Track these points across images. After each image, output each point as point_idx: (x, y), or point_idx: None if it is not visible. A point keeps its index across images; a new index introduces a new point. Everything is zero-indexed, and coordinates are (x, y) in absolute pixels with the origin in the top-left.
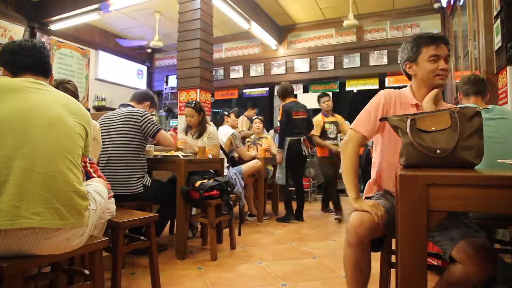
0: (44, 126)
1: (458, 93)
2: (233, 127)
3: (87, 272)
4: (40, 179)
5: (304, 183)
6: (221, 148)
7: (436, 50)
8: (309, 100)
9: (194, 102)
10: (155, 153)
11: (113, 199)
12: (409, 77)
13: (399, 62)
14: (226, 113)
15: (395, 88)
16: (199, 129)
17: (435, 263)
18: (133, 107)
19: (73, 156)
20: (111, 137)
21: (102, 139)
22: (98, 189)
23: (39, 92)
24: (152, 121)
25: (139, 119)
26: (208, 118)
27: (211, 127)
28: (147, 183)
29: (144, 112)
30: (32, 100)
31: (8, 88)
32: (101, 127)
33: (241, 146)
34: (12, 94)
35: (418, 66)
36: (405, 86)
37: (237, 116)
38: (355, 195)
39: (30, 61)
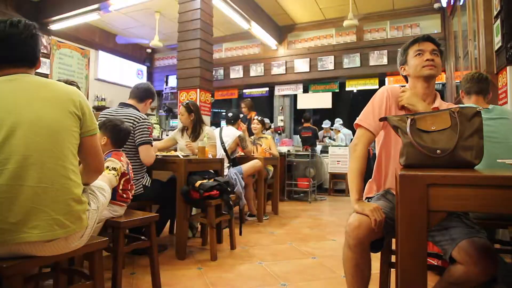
0: (27, 134)
1: (460, 90)
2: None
3: (87, 272)
4: (31, 193)
5: (304, 183)
6: (224, 150)
7: (419, 46)
8: (309, 100)
9: (187, 102)
10: (157, 153)
11: (125, 208)
12: (407, 80)
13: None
14: (242, 115)
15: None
16: (194, 131)
17: (435, 263)
18: (134, 107)
19: (65, 159)
20: None
21: None
22: (101, 188)
23: (15, 92)
24: (145, 130)
25: (135, 124)
26: (208, 118)
27: (207, 127)
28: (147, 184)
29: (142, 118)
30: (8, 104)
31: None
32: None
33: (247, 147)
34: None
35: (408, 65)
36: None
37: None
38: (357, 196)
39: (16, 54)
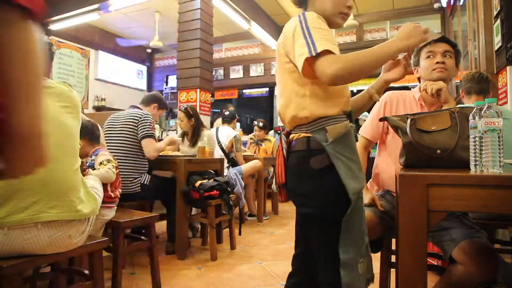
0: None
1: (461, 90)
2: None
3: (87, 272)
4: (51, 176)
5: None
6: (222, 149)
7: (431, 47)
8: None
9: (186, 107)
10: None
11: (115, 208)
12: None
13: None
14: (237, 116)
15: (395, 88)
16: (193, 136)
17: (435, 263)
18: (141, 109)
19: (72, 151)
20: (112, 137)
21: (106, 139)
22: (95, 188)
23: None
24: (147, 125)
25: (138, 120)
26: (208, 118)
27: (206, 131)
28: (145, 182)
29: (145, 114)
30: None
31: None
32: (107, 126)
33: (240, 151)
34: None
35: (420, 67)
36: (405, 86)
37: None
38: None
39: None
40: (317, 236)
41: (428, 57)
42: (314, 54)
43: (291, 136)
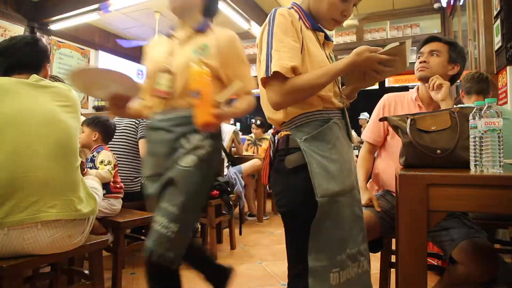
0: (39, 124)
1: (460, 90)
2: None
3: (87, 272)
4: (51, 175)
5: None
6: (223, 149)
7: (422, 49)
8: None
9: None
10: None
11: (120, 201)
12: None
13: None
14: None
15: (395, 88)
16: None
17: (435, 263)
18: None
19: (72, 150)
20: (115, 136)
21: None
22: (94, 188)
23: (28, 93)
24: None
25: (139, 121)
26: None
27: None
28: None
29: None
30: (24, 101)
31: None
32: None
33: (241, 143)
34: (3, 96)
35: None
36: (405, 86)
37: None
38: (360, 184)
39: (15, 60)
40: (286, 236)
41: (419, 57)
42: (267, 76)
43: (277, 135)
